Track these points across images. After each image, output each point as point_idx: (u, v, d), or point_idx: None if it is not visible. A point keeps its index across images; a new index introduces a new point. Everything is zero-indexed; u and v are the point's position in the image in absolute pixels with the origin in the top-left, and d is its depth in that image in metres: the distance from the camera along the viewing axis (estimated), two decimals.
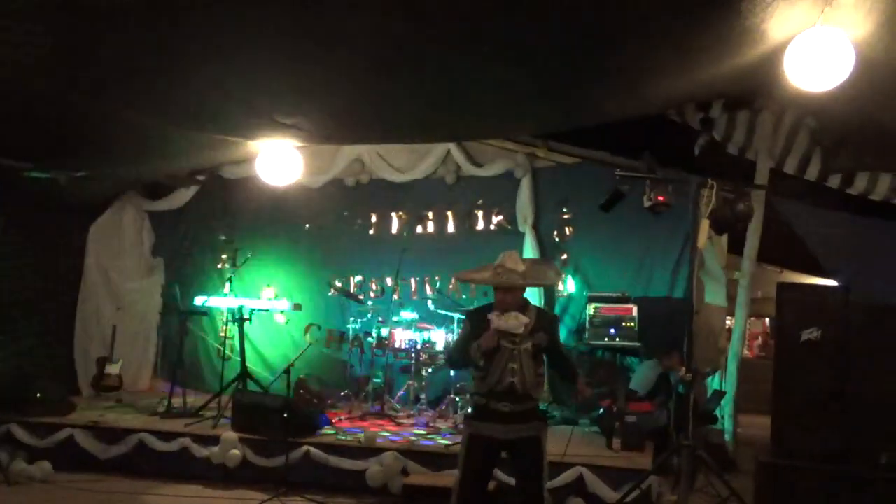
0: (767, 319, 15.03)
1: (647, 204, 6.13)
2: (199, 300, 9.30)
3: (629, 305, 8.65)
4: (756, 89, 6.86)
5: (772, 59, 5.47)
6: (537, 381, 4.52)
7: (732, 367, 7.90)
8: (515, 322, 4.39)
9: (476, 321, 4.62)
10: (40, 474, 7.15)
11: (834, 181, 7.03)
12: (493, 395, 4.46)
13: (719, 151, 7.18)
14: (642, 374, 8.11)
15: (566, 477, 6.31)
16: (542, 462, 4.51)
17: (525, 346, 4.44)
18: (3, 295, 8.91)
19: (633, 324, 8.54)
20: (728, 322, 9.21)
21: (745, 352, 9.39)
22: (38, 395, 8.09)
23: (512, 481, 5.09)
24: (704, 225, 5.76)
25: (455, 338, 8.43)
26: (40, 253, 9.63)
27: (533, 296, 9.18)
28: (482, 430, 4.53)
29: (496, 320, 4.43)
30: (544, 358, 4.64)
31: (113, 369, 9.60)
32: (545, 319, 4.62)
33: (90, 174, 8.67)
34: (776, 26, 5.06)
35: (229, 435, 7.23)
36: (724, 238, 8.65)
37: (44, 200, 9.17)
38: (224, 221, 10.74)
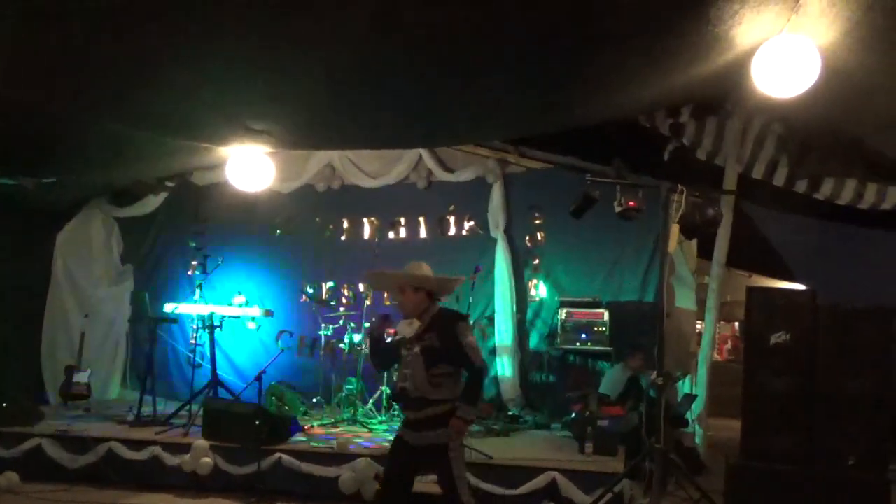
0: (737, 323, 15.18)
1: (617, 209, 6.18)
2: (168, 307, 9.21)
3: (600, 310, 8.74)
4: (724, 95, 6.95)
5: (740, 66, 5.55)
6: (432, 384, 4.50)
7: (703, 370, 7.96)
8: (408, 328, 4.63)
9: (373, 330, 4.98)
10: (7, 485, 7.02)
11: (801, 186, 7.13)
12: (399, 400, 4.63)
13: (688, 157, 7.25)
14: (611, 378, 8.15)
15: (539, 481, 6.33)
16: (452, 470, 4.47)
17: (415, 349, 4.56)
18: None
19: (604, 328, 8.63)
20: (698, 326, 9.30)
21: (715, 355, 9.47)
22: (4, 404, 7.97)
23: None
24: (674, 230, 5.82)
25: None
26: (6, 260, 9.50)
27: (505, 300, 9.24)
28: (401, 433, 4.70)
29: (400, 328, 4.74)
30: (444, 359, 4.56)
31: (81, 377, 9.48)
32: (442, 320, 4.65)
33: (58, 180, 8.57)
34: (744, 33, 5.13)
35: (200, 443, 7.16)
36: (694, 243, 8.74)
37: (10, 206, 9.05)
38: (194, 228, 10.63)
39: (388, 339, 4.91)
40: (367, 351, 8.29)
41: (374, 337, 4.96)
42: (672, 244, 5.98)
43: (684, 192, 5.84)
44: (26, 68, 5.56)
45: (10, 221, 9.38)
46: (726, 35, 5.14)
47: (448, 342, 4.52)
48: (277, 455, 6.92)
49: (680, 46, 5.40)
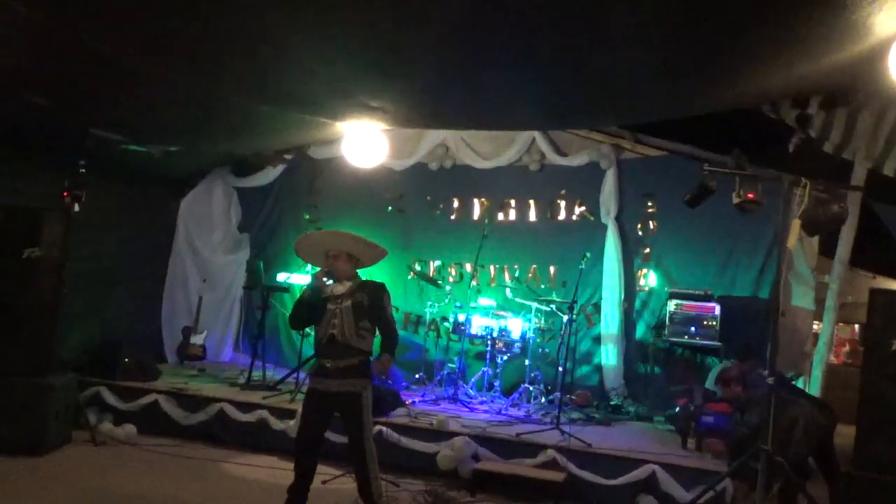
0: (857, 326, 14.49)
1: (735, 201, 5.97)
2: (281, 277, 9.48)
3: (711, 304, 8.46)
4: (857, 86, 6.59)
5: (876, 56, 5.26)
6: (359, 334, 5.19)
7: (817, 372, 7.66)
8: (340, 287, 5.34)
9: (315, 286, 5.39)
10: (125, 436, 7.45)
11: None
12: (321, 351, 5.23)
13: (814, 150, 6.94)
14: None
15: (638, 473, 6.25)
16: (363, 416, 5.14)
17: (346, 303, 5.24)
18: (96, 263, 9.25)
19: (714, 323, 8.36)
20: (815, 326, 8.94)
21: (832, 358, 9.09)
22: (126, 360, 8.40)
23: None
24: (795, 225, 5.58)
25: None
26: (132, 224, 9.96)
27: (613, 288, 9.12)
28: (314, 383, 5.26)
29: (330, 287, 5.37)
30: (368, 316, 5.28)
31: (197, 339, 9.92)
32: (371, 286, 5.45)
33: (183, 149, 8.91)
34: (883, 21, 4.86)
35: None
36: (815, 240, 8.37)
37: (137, 173, 9.47)
38: (309, 200, 10.93)
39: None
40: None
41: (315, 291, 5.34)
42: (792, 240, 5.73)
43: (808, 187, 5.59)
44: (154, 42, 5.80)
45: (137, 187, 9.83)
46: (864, 22, 4.88)
47: (374, 304, 5.31)
48: (378, 427, 7.04)
49: (814, 34, 5.16)
